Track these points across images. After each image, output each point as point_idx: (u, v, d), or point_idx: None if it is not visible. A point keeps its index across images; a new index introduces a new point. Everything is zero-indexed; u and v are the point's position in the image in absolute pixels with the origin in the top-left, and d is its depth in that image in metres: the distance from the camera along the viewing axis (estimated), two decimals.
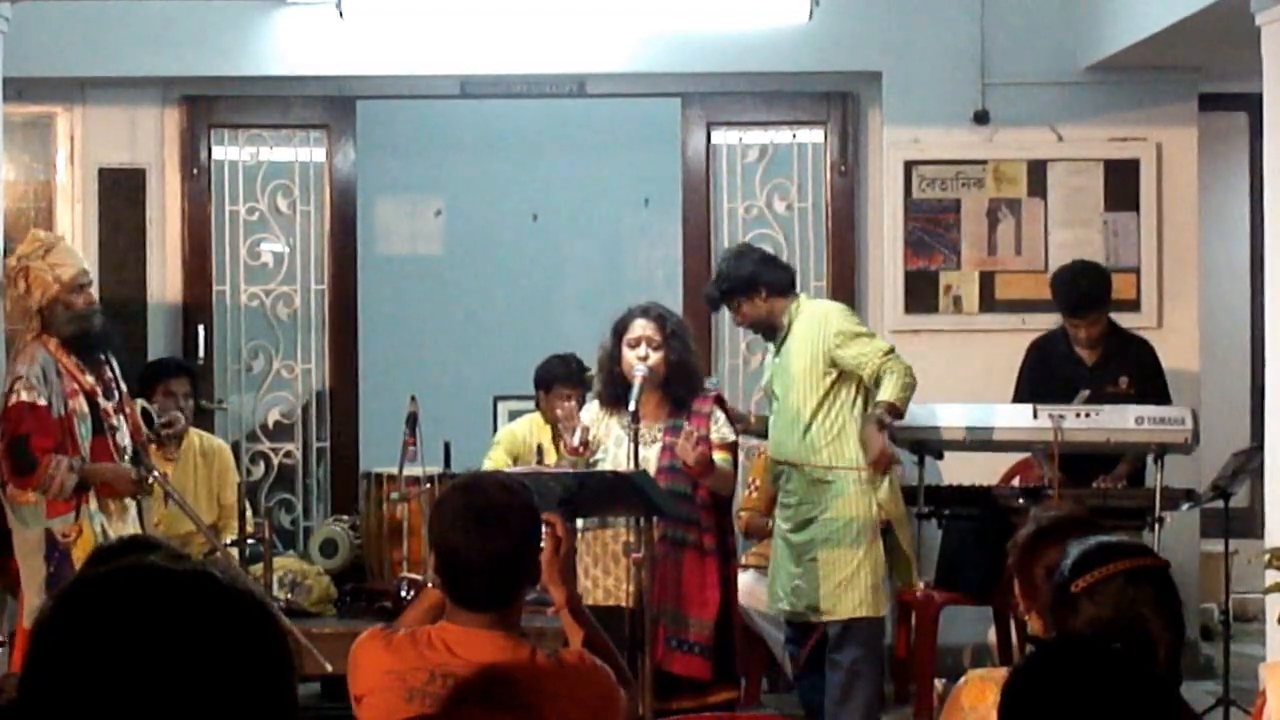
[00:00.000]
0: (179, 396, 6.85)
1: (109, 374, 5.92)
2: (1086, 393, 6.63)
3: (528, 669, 3.14)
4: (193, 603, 1.51)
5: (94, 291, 5.93)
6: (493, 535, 3.17)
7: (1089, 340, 6.79)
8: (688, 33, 7.70)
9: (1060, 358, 6.86)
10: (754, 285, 6.19)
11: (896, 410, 5.99)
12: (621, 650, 3.97)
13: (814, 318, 6.14)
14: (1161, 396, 6.72)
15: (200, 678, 1.48)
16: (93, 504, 5.73)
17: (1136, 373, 6.79)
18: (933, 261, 7.80)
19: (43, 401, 5.69)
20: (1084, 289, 6.78)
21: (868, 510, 6.08)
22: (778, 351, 6.25)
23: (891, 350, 6.07)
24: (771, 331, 6.27)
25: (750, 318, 6.27)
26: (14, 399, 5.68)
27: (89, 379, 5.81)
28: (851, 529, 6.07)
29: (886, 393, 5.98)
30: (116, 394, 5.93)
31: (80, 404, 5.76)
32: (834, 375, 6.08)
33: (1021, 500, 6.41)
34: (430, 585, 3.54)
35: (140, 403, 6.19)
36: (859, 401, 6.10)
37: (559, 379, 6.93)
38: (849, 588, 6.05)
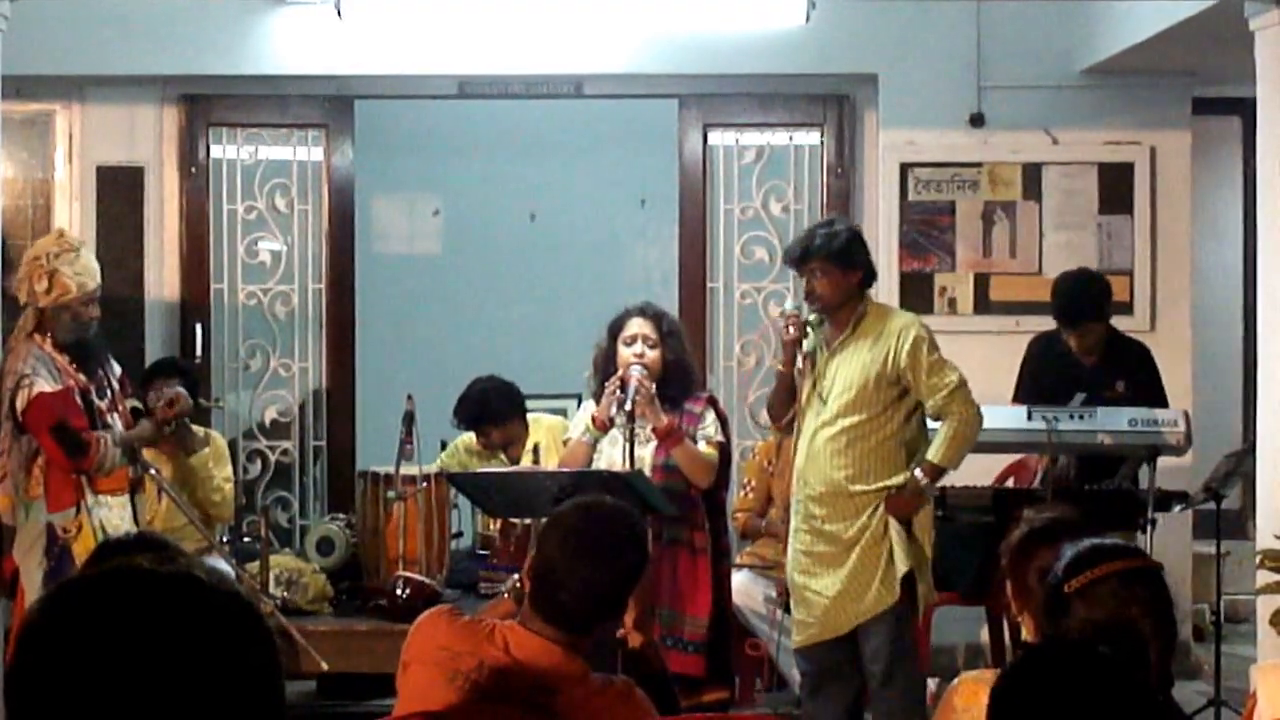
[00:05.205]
0: None
1: (100, 374, 5.95)
2: (1083, 396, 6.66)
3: (574, 681, 3.15)
4: (177, 606, 1.51)
5: (97, 305, 5.96)
6: (597, 567, 3.18)
7: (1083, 349, 6.82)
8: (685, 35, 7.73)
9: (1058, 359, 6.88)
10: (861, 261, 5.69)
11: (940, 473, 5.67)
12: (615, 649, 4.00)
13: (891, 327, 5.64)
14: (1158, 401, 6.75)
15: (184, 681, 1.48)
16: (90, 498, 5.77)
17: (1133, 377, 6.81)
18: (928, 263, 7.84)
19: (58, 386, 5.74)
20: (1077, 300, 6.80)
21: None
22: (827, 347, 5.71)
23: (960, 385, 5.61)
24: (827, 316, 5.70)
25: (833, 290, 5.63)
26: (30, 393, 5.71)
27: (82, 378, 5.85)
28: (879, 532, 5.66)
29: (936, 452, 5.58)
30: (109, 393, 5.97)
31: (75, 400, 5.81)
32: (898, 392, 5.63)
33: (1016, 501, 6.44)
34: (507, 593, 3.56)
35: (132, 402, 6.20)
36: (914, 420, 5.70)
37: (477, 421, 7.03)
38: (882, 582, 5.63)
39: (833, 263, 5.61)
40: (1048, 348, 6.97)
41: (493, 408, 7.05)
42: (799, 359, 5.75)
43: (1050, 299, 6.94)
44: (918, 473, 5.61)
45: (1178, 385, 7.30)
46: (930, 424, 5.72)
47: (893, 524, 5.63)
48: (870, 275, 5.75)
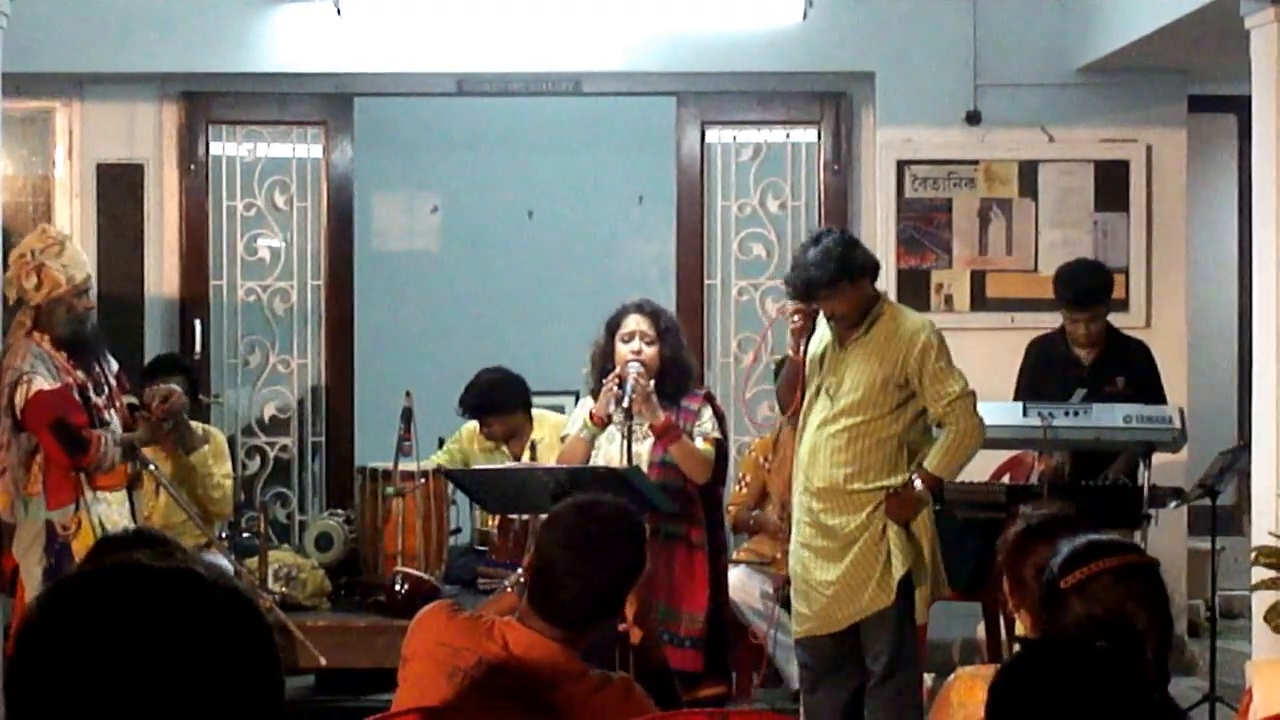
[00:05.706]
0: None
1: (97, 369, 5.96)
2: (1083, 392, 6.68)
3: (573, 678, 3.17)
4: (176, 601, 1.51)
5: (93, 295, 5.96)
6: (594, 565, 3.19)
7: (1087, 338, 6.82)
8: (683, 32, 7.75)
9: (1058, 357, 6.90)
10: (863, 264, 5.61)
11: (937, 482, 5.63)
12: (615, 645, 4.03)
13: (904, 330, 5.61)
14: (1157, 399, 6.77)
15: (184, 676, 1.48)
16: (89, 495, 5.79)
17: (1132, 374, 6.83)
18: (924, 260, 7.87)
19: (57, 384, 5.74)
20: (1087, 283, 6.83)
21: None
22: (840, 345, 5.67)
23: (963, 395, 5.57)
24: (844, 323, 5.66)
25: (851, 305, 5.59)
26: (29, 390, 5.71)
27: (80, 374, 5.86)
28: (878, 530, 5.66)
29: (932, 460, 5.56)
30: (107, 389, 5.97)
31: (74, 397, 5.81)
32: (905, 395, 5.60)
33: (1012, 497, 6.46)
34: (509, 587, 3.58)
35: (129, 398, 6.21)
36: (919, 422, 5.66)
37: (479, 410, 7.05)
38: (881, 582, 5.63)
39: (838, 283, 5.56)
40: (1047, 348, 6.98)
41: (495, 398, 7.07)
42: (801, 345, 5.77)
43: (1056, 286, 6.92)
44: (915, 480, 5.60)
45: (1173, 382, 7.32)
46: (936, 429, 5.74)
47: (891, 525, 5.63)
48: (875, 269, 5.73)
